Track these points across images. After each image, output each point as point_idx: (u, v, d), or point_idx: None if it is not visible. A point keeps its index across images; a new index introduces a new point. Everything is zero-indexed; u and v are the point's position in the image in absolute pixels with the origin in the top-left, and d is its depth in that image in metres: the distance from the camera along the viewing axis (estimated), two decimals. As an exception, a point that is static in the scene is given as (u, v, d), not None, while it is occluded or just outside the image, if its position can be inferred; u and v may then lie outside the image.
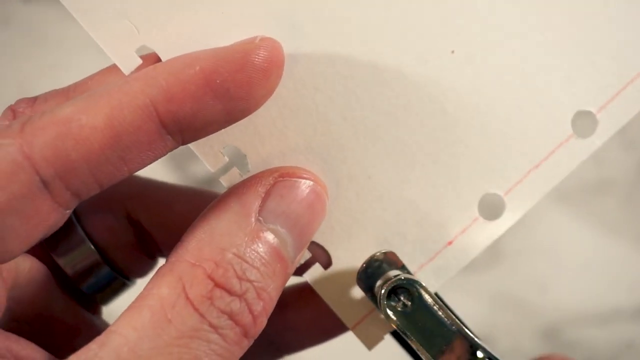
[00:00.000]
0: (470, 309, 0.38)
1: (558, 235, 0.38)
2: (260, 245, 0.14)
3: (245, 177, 0.17)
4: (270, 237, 0.15)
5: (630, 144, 0.37)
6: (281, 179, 0.16)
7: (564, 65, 0.19)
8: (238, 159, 0.18)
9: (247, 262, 0.14)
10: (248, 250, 0.14)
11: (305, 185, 0.16)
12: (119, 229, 0.20)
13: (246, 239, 0.14)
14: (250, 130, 0.18)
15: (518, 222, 0.38)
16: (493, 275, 0.38)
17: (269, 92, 0.16)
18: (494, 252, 0.38)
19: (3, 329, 0.15)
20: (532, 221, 0.38)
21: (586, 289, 0.38)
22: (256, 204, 0.15)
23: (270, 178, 0.16)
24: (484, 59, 0.19)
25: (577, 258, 0.38)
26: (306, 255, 0.18)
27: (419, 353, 0.18)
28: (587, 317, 0.38)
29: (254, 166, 0.18)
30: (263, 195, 0.15)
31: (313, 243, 0.19)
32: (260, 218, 0.15)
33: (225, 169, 0.18)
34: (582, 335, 0.38)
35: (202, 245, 0.14)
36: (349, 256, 0.19)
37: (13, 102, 0.18)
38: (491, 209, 0.21)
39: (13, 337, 0.15)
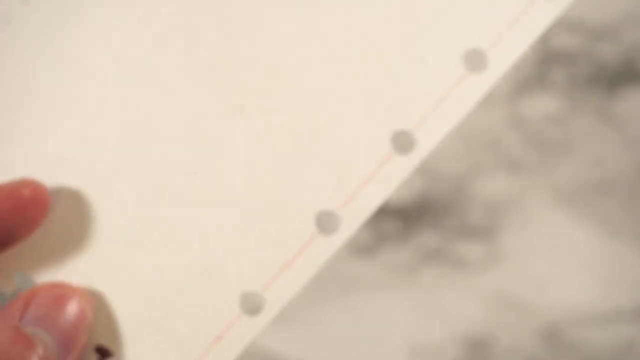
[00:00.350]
0: (469, 309, 0.38)
1: (558, 234, 0.38)
2: (19, 344, 0.19)
3: None
4: (29, 338, 0.19)
5: (630, 144, 0.37)
6: (41, 292, 0.21)
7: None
8: (25, 282, 0.22)
9: (4, 357, 0.19)
10: (6, 348, 0.19)
11: (62, 293, 0.21)
12: None
13: (6, 340, 0.19)
14: (34, 256, 0.22)
15: (517, 221, 0.38)
16: (492, 274, 0.38)
17: (34, 223, 0.21)
18: (493, 251, 0.38)
19: None
20: (532, 220, 0.38)
21: (586, 288, 0.38)
22: (17, 314, 0.19)
23: (32, 292, 0.20)
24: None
25: (577, 258, 0.38)
26: (91, 357, 0.22)
27: None
28: (588, 317, 0.37)
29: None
30: (22, 307, 0.20)
31: (100, 345, 0.23)
32: (21, 324, 0.19)
33: (14, 291, 0.23)
34: (583, 335, 0.37)
35: None
36: (133, 355, 0.23)
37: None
38: (252, 304, 0.23)
39: None
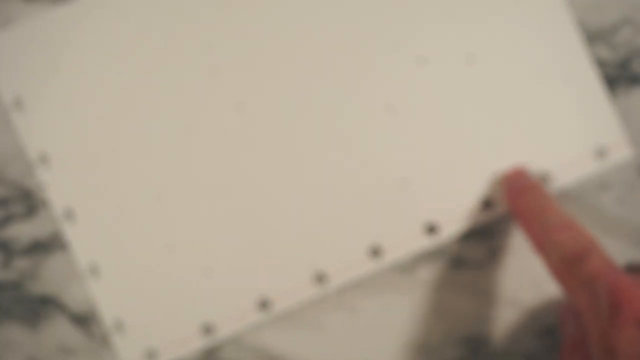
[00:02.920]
0: (465, 307, 0.38)
1: (555, 233, 0.38)
2: None
3: None
4: None
5: (630, 142, 0.37)
6: None
7: None
8: None
9: None
10: None
11: None
12: None
13: None
14: None
15: (513, 219, 0.38)
16: (488, 273, 0.38)
17: None
18: (490, 249, 0.38)
19: None
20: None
21: None
22: None
23: None
24: None
25: None
26: None
27: None
28: None
29: None
30: None
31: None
32: None
33: None
34: None
35: None
36: None
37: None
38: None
39: None
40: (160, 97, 0.33)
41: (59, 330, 0.38)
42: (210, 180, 0.33)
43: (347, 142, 0.33)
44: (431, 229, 0.34)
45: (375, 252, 0.34)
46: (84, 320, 0.38)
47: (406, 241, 0.34)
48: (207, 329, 0.34)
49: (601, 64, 0.38)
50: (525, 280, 0.38)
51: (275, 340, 0.38)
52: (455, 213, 0.35)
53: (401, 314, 0.38)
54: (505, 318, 0.38)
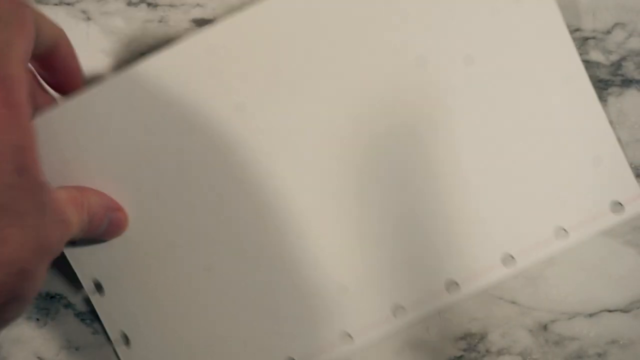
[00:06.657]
0: (461, 304, 0.38)
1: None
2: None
3: None
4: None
5: (620, 142, 0.37)
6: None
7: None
8: None
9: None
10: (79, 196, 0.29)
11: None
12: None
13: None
14: None
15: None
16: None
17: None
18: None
19: None
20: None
21: (576, 284, 0.38)
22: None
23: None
24: None
25: (567, 254, 0.37)
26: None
27: None
28: (577, 313, 0.38)
29: None
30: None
31: None
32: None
33: None
34: (571, 330, 0.38)
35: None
36: None
37: None
38: None
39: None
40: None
41: (66, 326, 0.38)
42: (214, 188, 0.32)
43: (347, 143, 0.33)
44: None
45: (449, 287, 0.34)
46: (91, 317, 0.38)
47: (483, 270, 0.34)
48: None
49: (595, 67, 0.38)
50: (521, 278, 0.38)
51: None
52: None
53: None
54: (501, 315, 0.38)
